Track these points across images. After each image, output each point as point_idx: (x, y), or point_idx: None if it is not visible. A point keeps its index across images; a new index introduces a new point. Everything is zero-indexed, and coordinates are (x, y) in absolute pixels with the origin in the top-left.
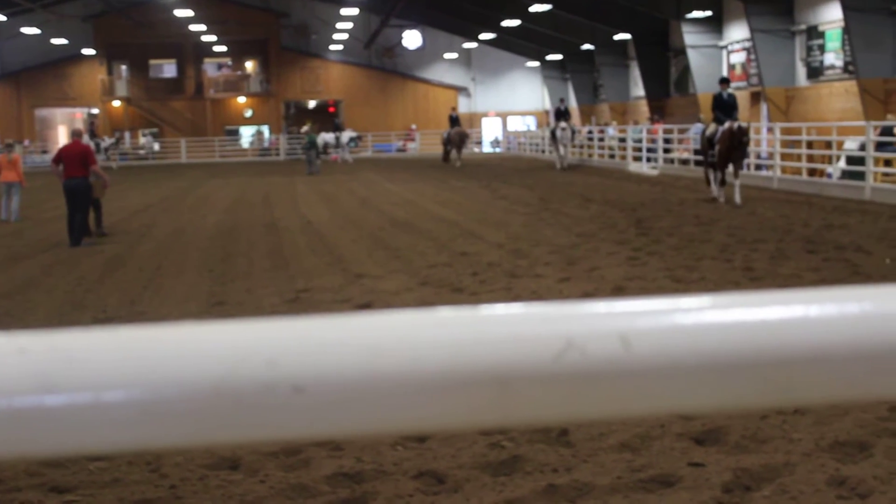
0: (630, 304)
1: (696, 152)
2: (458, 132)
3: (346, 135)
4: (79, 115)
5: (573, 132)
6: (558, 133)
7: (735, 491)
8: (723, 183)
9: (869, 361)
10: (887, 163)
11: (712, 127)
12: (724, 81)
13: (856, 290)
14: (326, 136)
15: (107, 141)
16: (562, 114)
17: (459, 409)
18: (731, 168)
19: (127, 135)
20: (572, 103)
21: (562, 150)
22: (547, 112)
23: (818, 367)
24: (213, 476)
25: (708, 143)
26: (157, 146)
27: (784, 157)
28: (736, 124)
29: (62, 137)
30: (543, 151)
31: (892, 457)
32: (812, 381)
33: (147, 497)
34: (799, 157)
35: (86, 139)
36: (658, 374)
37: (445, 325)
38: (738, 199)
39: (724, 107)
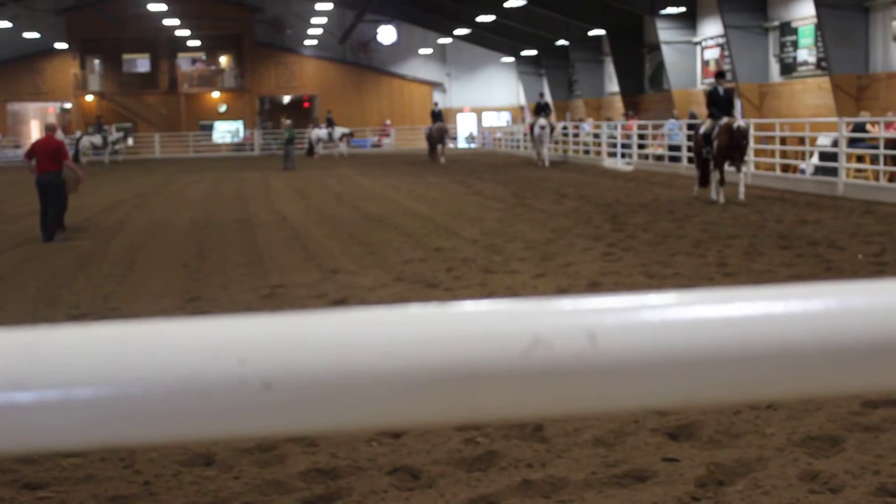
0: (597, 300)
1: (671, 148)
2: (439, 128)
3: (339, 130)
4: (51, 109)
5: (552, 129)
6: (536, 131)
7: (708, 485)
8: (721, 182)
9: (832, 357)
10: (860, 159)
11: (708, 123)
12: (720, 76)
13: (819, 287)
14: (320, 132)
15: (114, 134)
16: (542, 108)
17: (428, 406)
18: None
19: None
20: (547, 99)
21: (542, 148)
22: (522, 108)
23: (782, 363)
24: (188, 472)
25: (704, 140)
26: (130, 141)
27: (757, 153)
28: (735, 123)
29: (35, 132)
30: (518, 147)
31: (863, 451)
32: (776, 376)
33: (121, 493)
34: (772, 153)
35: (85, 135)
36: (624, 370)
37: (414, 321)
38: (741, 195)
39: (719, 103)
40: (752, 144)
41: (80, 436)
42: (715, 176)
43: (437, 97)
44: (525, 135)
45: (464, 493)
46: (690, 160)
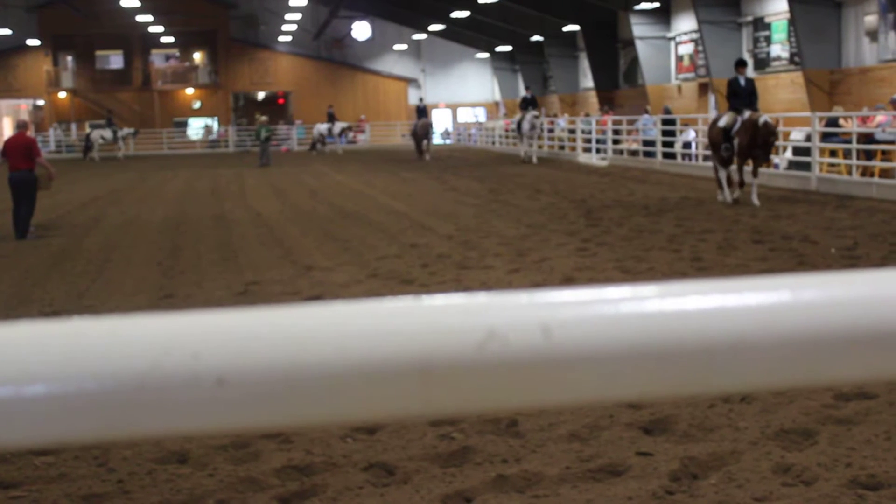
0: (551, 294)
1: (646, 143)
2: (424, 124)
3: (339, 125)
4: (24, 106)
5: (541, 124)
6: (525, 126)
7: (682, 479)
8: (741, 184)
9: (785, 349)
10: (832, 153)
11: (728, 116)
12: (742, 64)
13: (773, 280)
14: (321, 128)
15: (124, 130)
16: (528, 102)
17: (383, 400)
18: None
19: (73, 126)
20: (522, 95)
21: (528, 143)
22: (497, 104)
23: (736, 356)
24: (162, 470)
25: (723, 135)
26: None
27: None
28: (762, 119)
29: (7, 130)
30: (494, 143)
31: (836, 444)
32: (730, 369)
33: (94, 492)
34: None
35: (95, 129)
36: (579, 363)
37: (368, 316)
38: (755, 199)
39: (741, 94)
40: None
41: (32, 433)
42: (734, 174)
43: (412, 93)
44: (506, 130)
45: (439, 489)
46: (666, 155)
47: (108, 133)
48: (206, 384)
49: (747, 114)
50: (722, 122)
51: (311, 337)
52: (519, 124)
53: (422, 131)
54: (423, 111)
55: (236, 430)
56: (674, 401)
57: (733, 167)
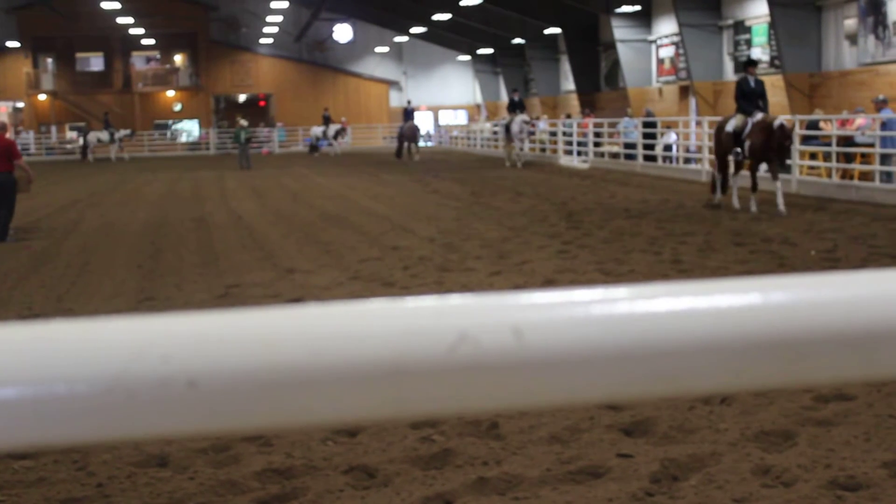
0: (523, 296)
1: (627, 146)
2: (411, 126)
3: (333, 128)
4: (3, 108)
5: (530, 127)
6: (514, 128)
7: (663, 481)
8: (754, 188)
9: (756, 351)
10: (812, 156)
11: (738, 119)
12: (752, 64)
13: (744, 282)
14: (316, 130)
15: (121, 132)
16: (516, 105)
17: (354, 402)
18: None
19: (53, 129)
20: (503, 98)
21: (518, 145)
22: (479, 106)
23: (706, 358)
24: (142, 473)
25: (733, 139)
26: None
27: (712, 150)
28: (777, 121)
29: None
30: (476, 146)
31: (815, 445)
32: (701, 370)
33: (74, 496)
34: None
35: (92, 131)
36: (550, 365)
37: (339, 318)
38: (780, 206)
39: (750, 95)
40: (706, 143)
41: (3, 437)
42: (734, 181)
43: (394, 96)
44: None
45: (419, 492)
46: (647, 158)
47: (104, 135)
48: (177, 387)
49: (759, 115)
50: (730, 126)
51: (283, 339)
52: (507, 127)
53: (408, 133)
54: (410, 113)
55: (208, 433)
56: (645, 402)
57: (742, 172)
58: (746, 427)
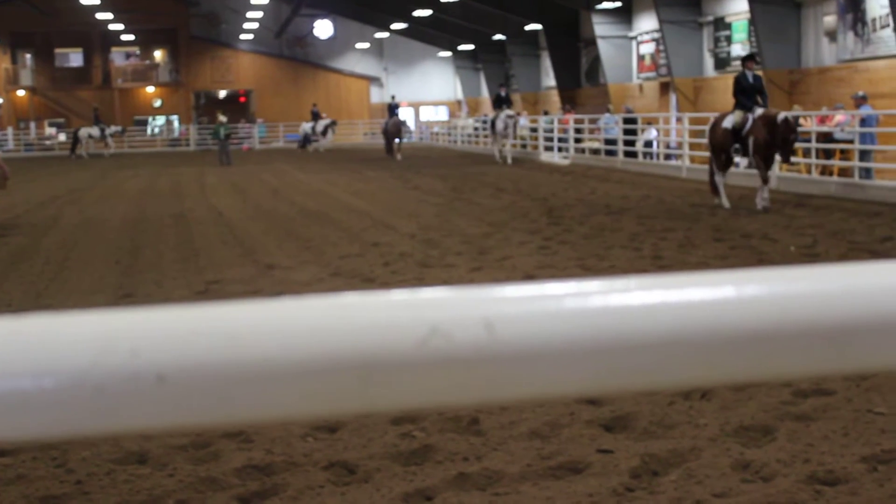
0: (494, 290)
1: (608, 142)
2: (395, 122)
3: (322, 123)
4: None
5: (516, 122)
6: (499, 124)
7: (643, 476)
8: (765, 181)
9: (729, 345)
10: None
11: (736, 115)
12: (750, 59)
13: (717, 275)
14: (305, 126)
15: (112, 128)
16: (502, 100)
17: (323, 397)
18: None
19: (32, 125)
20: (484, 94)
21: (502, 142)
22: (459, 102)
23: (679, 351)
24: (121, 470)
25: (732, 136)
26: (63, 136)
27: (693, 146)
28: (781, 115)
29: None
30: (455, 141)
31: (794, 440)
32: (672, 364)
33: (53, 493)
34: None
35: (83, 127)
36: (522, 359)
37: (310, 312)
38: (765, 201)
39: (749, 90)
40: (686, 139)
41: None
42: (719, 178)
43: (375, 92)
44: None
45: (399, 487)
46: (628, 154)
47: (95, 131)
48: (146, 382)
49: (759, 111)
50: (728, 123)
51: (252, 333)
52: (492, 123)
53: (393, 129)
54: (394, 109)
55: (177, 428)
56: (617, 396)
57: (756, 169)
58: (726, 422)
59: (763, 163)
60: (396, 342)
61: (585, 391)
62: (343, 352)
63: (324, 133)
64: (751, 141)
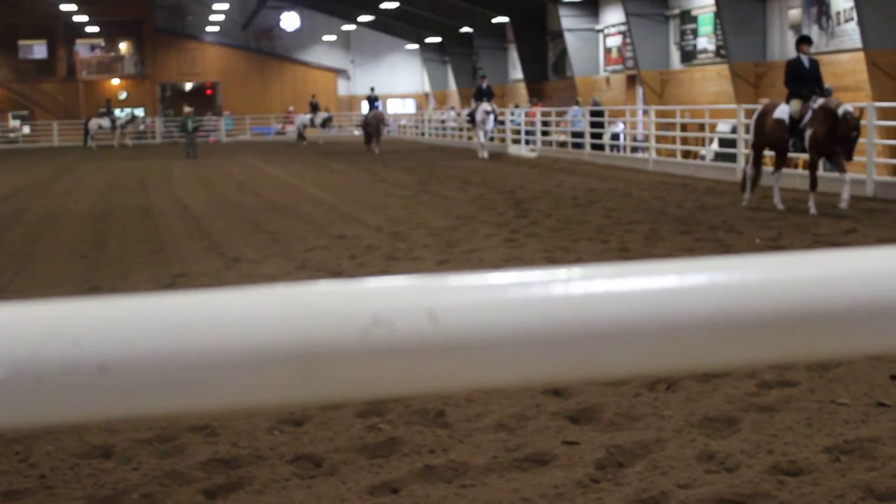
0: (438, 280)
1: (575, 135)
2: (375, 115)
3: (321, 116)
4: None
5: (496, 114)
6: (478, 116)
7: (608, 468)
8: (814, 186)
9: (672, 334)
10: None
11: (793, 105)
12: (805, 41)
13: (662, 264)
14: (303, 118)
15: (122, 119)
16: (483, 93)
17: (266, 387)
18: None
19: None
20: (451, 86)
21: (482, 136)
22: (427, 95)
23: (622, 341)
24: (85, 465)
25: (787, 128)
26: (27, 129)
27: (659, 139)
28: (842, 108)
29: None
30: (423, 134)
31: (758, 431)
32: (616, 354)
33: (15, 488)
34: (673, 140)
35: (93, 118)
36: (466, 349)
37: (252, 302)
38: (844, 201)
39: (805, 77)
40: (652, 132)
41: None
42: (775, 179)
43: (342, 84)
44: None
45: (365, 480)
46: (595, 147)
47: (105, 122)
48: (87, 371)
49: (820, 101)
50: (782, 114)
51: (194, 324)
52: (472, 115)
53: (374, 123)
54: (373, 101)
55: (119, 418)
56: (562, 385)
57: (807, 166)
58: (691, 413)
59: (818, 160)
60: (338, 332)
61: (530, 381)
62: (286, 341)
63: (323, 125)
64: (808, 135)
